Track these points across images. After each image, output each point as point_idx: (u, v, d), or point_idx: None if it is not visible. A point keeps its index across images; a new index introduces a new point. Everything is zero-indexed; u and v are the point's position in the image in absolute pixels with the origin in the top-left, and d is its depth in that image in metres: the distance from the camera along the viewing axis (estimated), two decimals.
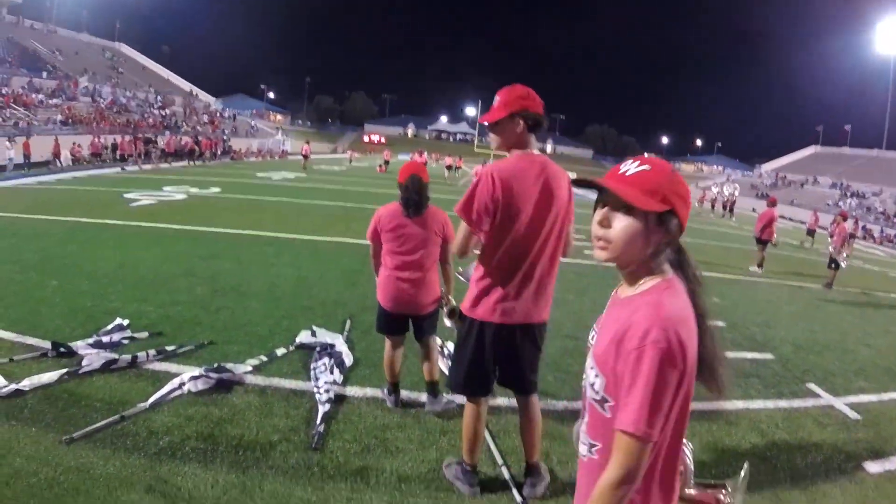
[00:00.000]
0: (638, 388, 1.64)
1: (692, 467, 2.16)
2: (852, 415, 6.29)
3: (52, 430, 4.22)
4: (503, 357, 3.79)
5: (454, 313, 4.07)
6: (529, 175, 3.57)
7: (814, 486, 4.76)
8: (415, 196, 4.80)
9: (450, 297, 4.85)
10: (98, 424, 4.30)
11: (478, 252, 3.74)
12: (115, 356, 5.37)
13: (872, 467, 5.17)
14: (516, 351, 3.81)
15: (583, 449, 1.96)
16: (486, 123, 3.71)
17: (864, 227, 46.10)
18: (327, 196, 23.19)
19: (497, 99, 3.65)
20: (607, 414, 1.79)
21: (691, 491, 2.17)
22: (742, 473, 2.23)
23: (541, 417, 4.09)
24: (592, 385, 1.84)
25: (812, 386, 7.05)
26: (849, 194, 61.38)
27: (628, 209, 1.76)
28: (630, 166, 1.81)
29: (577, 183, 1.99)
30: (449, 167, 48.23)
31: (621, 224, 1.78)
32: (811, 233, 29.84)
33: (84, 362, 5.21)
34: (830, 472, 5.03)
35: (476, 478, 4.09)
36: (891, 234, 46.51)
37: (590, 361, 1.88)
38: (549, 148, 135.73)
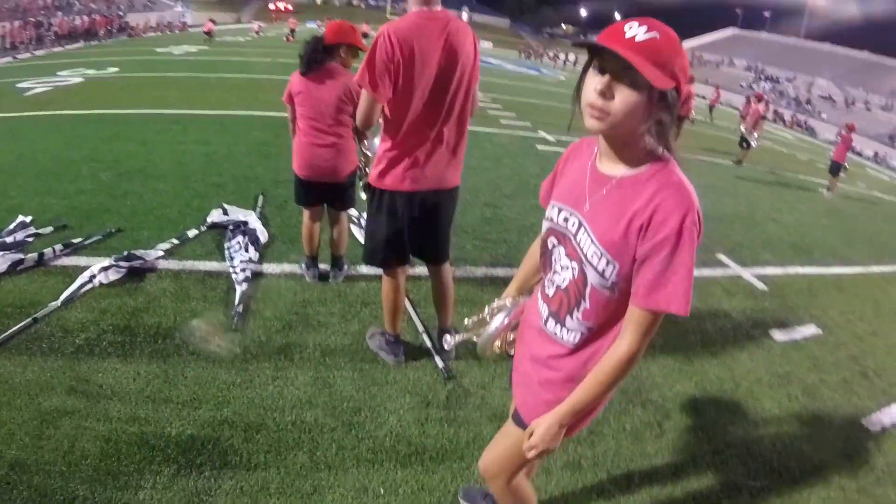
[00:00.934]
0: (681, 271, 1.62)
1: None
2: (759, 285, 6.57)
3: None
4: (415, 227, 3.61)
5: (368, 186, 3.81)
6: (431, 32, 3.22)
7: (724, 351, 4.96)
8: (305, 53, 4.44)
9: (367, 169, 4.55)
10: (11, 331, 3.98)
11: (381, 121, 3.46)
12: (21, 256, 4.96)
13: (778, 335, 5.44)
14: (429, 219, 3.64)
15: (568, 335, 1.88)
16: None
17: (775, 111, 46.98)
18: (233, 69, 21.90)
19: None
20: (615, 295, 1.75)
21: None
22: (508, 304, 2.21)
23: (453, 285, 4.02)
24: (602, 272, 1.72)
25: (721, 256, 7.31)
26: (763, 78, 61.56)
27: (634, 81, 1.51)
28: (637, 31, 1.51)
29: (582, 45, 1.64)
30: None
31: (624, 96, 1.53)
32: (711, 108, 30.16)
33: None
34: (739, 338, 5.25)
35: (400, 347, 4.06)
36: (801, 118, 47.85)
37: (593, 249, 1.72)
38: (464, 16, 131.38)
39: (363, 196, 4.01)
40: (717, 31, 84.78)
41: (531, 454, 1.86)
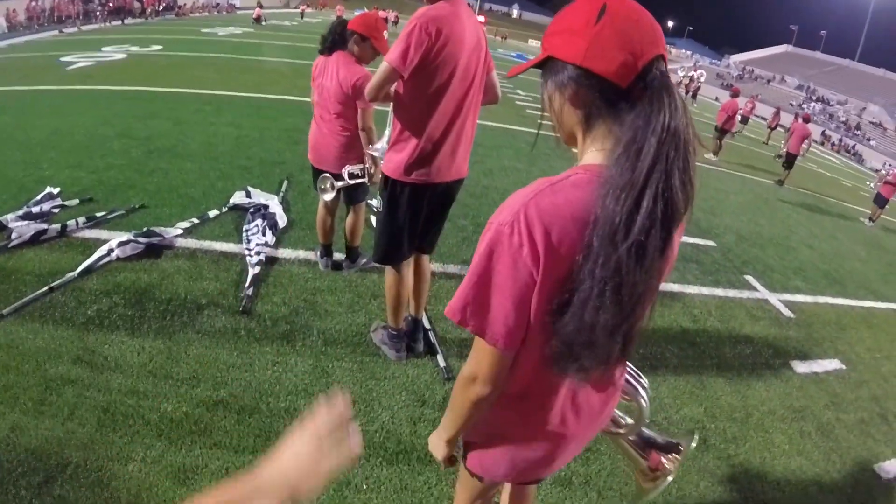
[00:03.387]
0: (469, 271, 1.37)
1: (646, 407, 1.88)
2: (786, 312, 6.34)
3: None
4: (430, 218, 3.64)
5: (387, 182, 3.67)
6: (461, 19, 3.22)
7: (739, 377, 4.81)
8: (328, 31, 4.46)
9: (371, 171, 4.55)
10: (27, 298, 4.13)
11: (389, 110, 3.45)
12: (45, 226, 5.11)
13: (799, 367, 5.25)
14: (443, 210, 3.68)
15: None
16: None
17: (823, 133, 46.15)
18: (275, 52, 22.13)
19: None
20: None
21: (631, 443, 1.96)
22: (693, 440, 1.92)
23: (430, 279, 4.04)
24: None
25: (750, 278, 7.10)
26: (814, 98, 59.98)
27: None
28: None
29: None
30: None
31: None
32: (771, 129, 29.33)
33: (13, 235, 4.94)
34: (758, 366, 5.08)
35: (403, 342, 4.07)
36: (849, 143, 46.34)
37: None
38: (514, 13, 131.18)
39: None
40: (770, 47, 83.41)
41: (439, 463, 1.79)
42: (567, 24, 1.31)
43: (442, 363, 4.09)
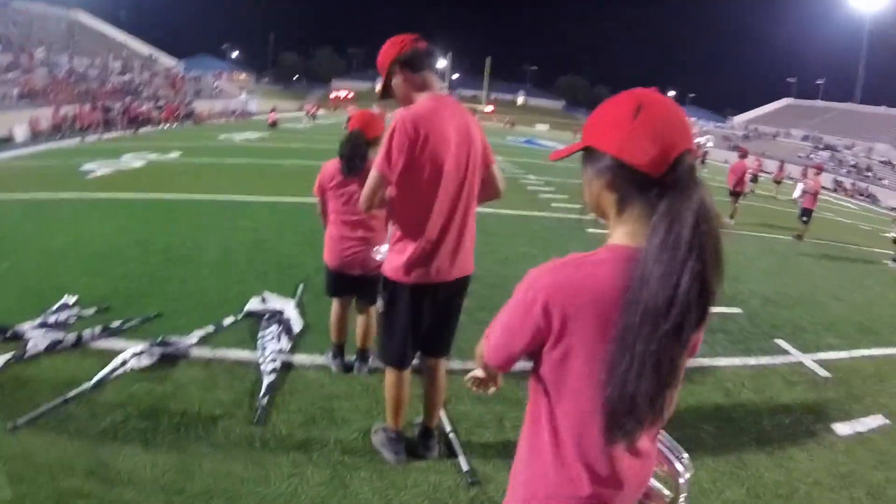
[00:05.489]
0: (494, 324, 1.74)
1: (686, 480, 1.91)
2: (822, 372, 6.20)
3: None
4: (434, 319, 3.65)
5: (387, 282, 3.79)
6: (444, 116, 3.29)
7: (780, 449, 4.64)
8: (347, 152, 4.54)
9: None
10: (42, 409, 4.18)
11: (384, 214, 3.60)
12: (61, 336, 5.23)
13: (842, 429, 5.09)
14: (448, 310, 3.69)
15: None
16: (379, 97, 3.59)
17: (835, 180, 46.48)
18: (290, 155, 22.84)
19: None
20: None
21: None
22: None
23: (446, 384, 4.01)
24: None
25: (781, 342, 6.96)
26: (821, 147, 61.05)
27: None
28: None
29: None
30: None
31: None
32: (777, 183, 29.92)
33: (29, 346, 5.05)
34: (798, 434, 4.92)
35: (402, 444, 4.00)
36: (862, 187, 46.59)
37: None
38: (520, 100, 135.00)
39: None
40: (771, 102, 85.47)
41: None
42: (607, 118, 1.52)
43: (465, 467, 3.98)
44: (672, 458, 1.92)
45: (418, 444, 4.09)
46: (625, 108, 1.48)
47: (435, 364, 3.90)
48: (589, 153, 1.59)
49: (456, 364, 5.20)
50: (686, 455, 1.94)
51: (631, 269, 1.41)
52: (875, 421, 5.32)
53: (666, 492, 1.94)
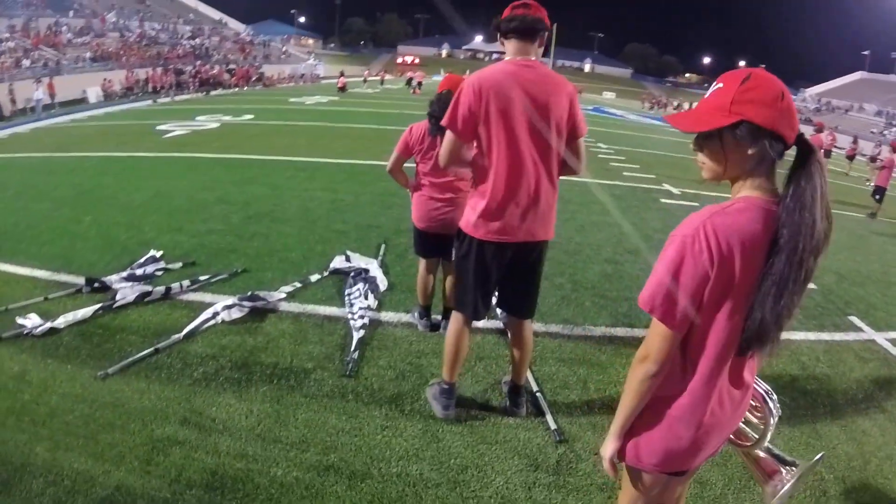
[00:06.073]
0: (655, 273, 1.81)
1: (772, 424, 2.25)
2: (894, 351, 6.07)
3: (88, 366, 4.16)
4: (503, 278, 3.64)
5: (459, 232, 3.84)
6: (517, 82, 3.29)
7: (853, 423, 4.58)
8: (437, 112, 4.37)
9: None
10: (132, 358, 4.24)
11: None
12: (149, 288, 5.30)
13: None
14: (516, 272, 3.64)
15: None
16: None
17: None
18: (361, 119, 22.88)
19: None
20: None
21: (760, 454, 2.31)
22: (816, 459, 2.29)
23: (532, 344, 3.95)
24: None
25: (854, 319, 6.80)
26: (895, 123, 58.78)
27: (705, 133, 1.84)
28: (712, 89, 1.86)
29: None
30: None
31: (706, 147, 1.86)
32: (850, 158, 28.75)
33: (118, 296, 5.14)
34: (871, 409, 4.84)
35: (452, 398, 3.97)
36: None
37: None
38: (587, 67, 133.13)
39: None
40: (844, 76, 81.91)
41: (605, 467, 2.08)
42: (758, 97, 1.76)
43: (553, 425, 3.96)
44: (765, 396, 2.25)
45: (508, 401, 4.09)
46: (772, 90, 1.76)
47: (518, 324, 3.88)
48: (739, 125, 1.76)
49: (538, 326, 5.20)
50: (776, 397, 2.26)
51: (769, 215, 1.76)
52: None
53: (752, 434, 2.28)
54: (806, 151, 1.78)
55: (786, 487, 2.19)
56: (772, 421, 2.24)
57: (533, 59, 3.41)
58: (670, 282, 1.77)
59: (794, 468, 2.25)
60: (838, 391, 5.05)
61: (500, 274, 3.62)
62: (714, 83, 1.87)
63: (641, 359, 1.87)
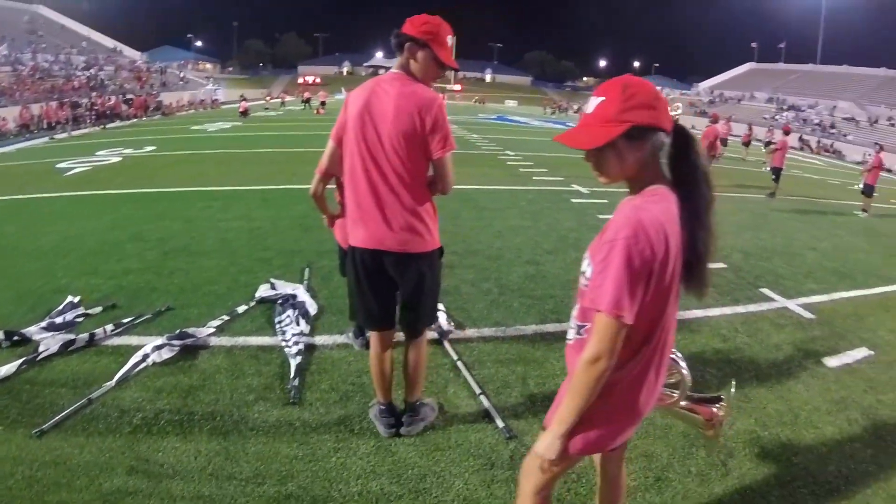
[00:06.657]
0: (610, 275, 1.93)
1: (689, 378, 2.58)
2: (806, 315, 6.72)
3: (21, 424, 4.01)
4: (374, 289, 3.68)
5: None
6: (371, 95, 3.45)
7: (779, 383, 5.07)
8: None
9: None
10: (66, 412, 4.11)
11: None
12: (72, 336, 5.15)
13: (831, 362, 5.55)
14: (390, 284, 3.69)
15: (571, 333, 2.27)
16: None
17: (800, 138, 48.81)
18: (267, 143, 22.74)
19: None
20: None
21: (687, 404, 2.60)
22: (731, 388, 2.65)
23: (423, 361, 3.98)
24: (584, 273, 2.13)
25: (765, 290, 7.50)
26: (785, 108, 62.79)
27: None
28: (590, 103, 2.07)
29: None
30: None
31: (602, 156, 2.05)
32: (746, 145, 31.20)
33: (41, 348, 4.97)
34: (793, 369, 5.35)
35: (392, 417, 4.03)
36: (827, 143, 49.21)
37: (586, 254, 2.15)
38: (488, 77, 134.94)
39: None
40: (735, 67, 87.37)
41: (540, 465, 2.22)
42: (641, 102, 1.99)
43: (500, 424, 4.14)
44: (681, 364, 2.56)
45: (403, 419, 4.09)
46: (650, 92, 2.01)
47: (409, 344, 3.92)
48: (630, 131, 1.98)
49: (471, 332, 5.49)
50: (678, 353, 2.55)
51: (674, 196, 2.06)
52: (860, 353, 5.82)
53: (671, 391, 2.60)
54: (682, 135, 2.08)
55: (724, 420, 2.55)
56: (685, 373, 2.56)
57: (401, 72, 3.48)
58: (628, 282, 1.91)
59: (721, 402, 2.58)
60: (760, 357, 5.54)
61: (374, 283, 3.64)
62: (593, 97, 2.08)
63: (593, 360, 1.97)
